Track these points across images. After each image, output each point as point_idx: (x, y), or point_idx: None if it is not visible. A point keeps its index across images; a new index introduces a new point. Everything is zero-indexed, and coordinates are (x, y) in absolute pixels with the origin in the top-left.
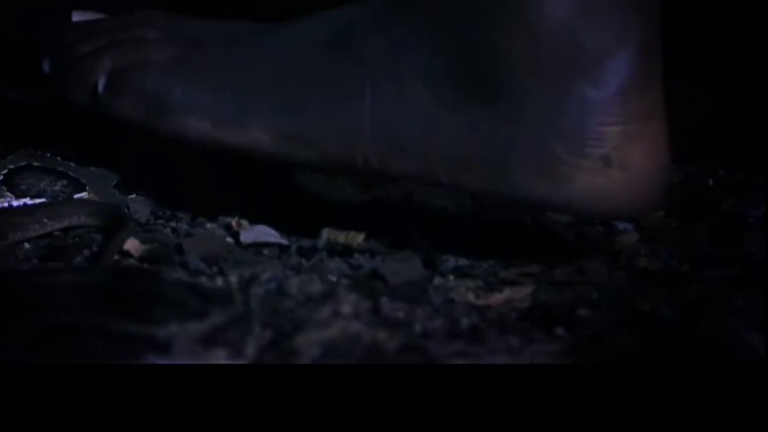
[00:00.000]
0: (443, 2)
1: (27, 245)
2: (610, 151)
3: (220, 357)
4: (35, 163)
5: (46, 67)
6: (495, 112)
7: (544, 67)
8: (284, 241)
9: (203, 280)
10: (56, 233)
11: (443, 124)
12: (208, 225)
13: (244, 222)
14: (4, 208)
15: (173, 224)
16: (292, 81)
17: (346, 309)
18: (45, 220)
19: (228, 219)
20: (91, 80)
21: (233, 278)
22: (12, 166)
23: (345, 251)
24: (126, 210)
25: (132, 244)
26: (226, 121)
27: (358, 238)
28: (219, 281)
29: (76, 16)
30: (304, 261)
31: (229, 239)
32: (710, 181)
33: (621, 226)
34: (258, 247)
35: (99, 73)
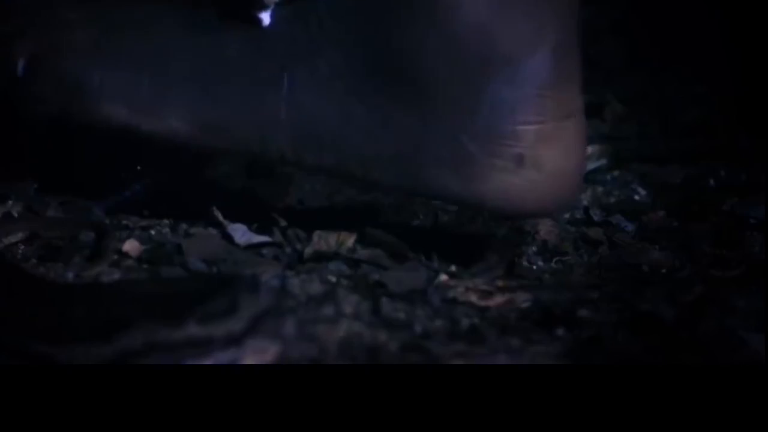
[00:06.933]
0: None
1: (23, 246)
2: (524, 150)
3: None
4: None
5: None
6: (410, 109)
7: (459, 66)
8: (272, 240)
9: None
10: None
11: (358, 119)
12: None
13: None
14: None
15: (171, 221)
16: (209, 70)
17: (347, 309)
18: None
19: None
20: (10, 63)
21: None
22: None
23: (336, 256)
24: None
25: (131, 245)
26: (141, 109)
27: (349, 241)
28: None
29: None
30: (300, 263)
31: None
32: (711, 182)
33: (621, 225)
34: (256, 247)
35: (18, 56)
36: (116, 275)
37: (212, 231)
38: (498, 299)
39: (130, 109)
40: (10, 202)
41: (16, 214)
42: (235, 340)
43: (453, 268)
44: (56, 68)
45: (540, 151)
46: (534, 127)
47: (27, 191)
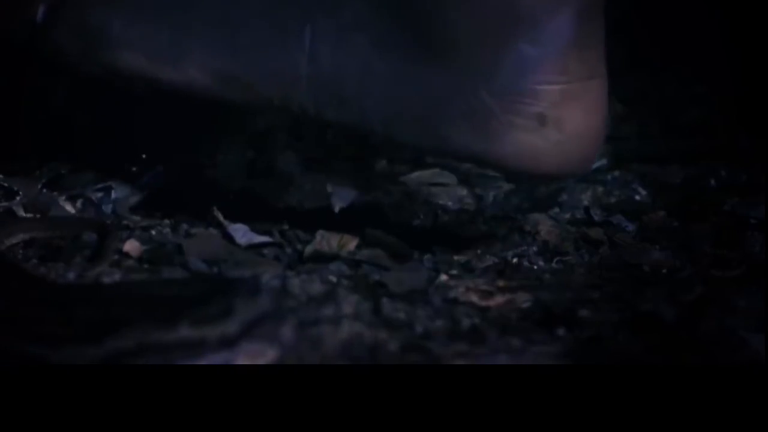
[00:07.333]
0: None
1: (25, 247)
2: (546, 110)
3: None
4: None
5: None
6: (432, 64)
7: (484, 23)
8: (273, 240)
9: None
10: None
11: (381, 75)
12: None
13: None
14: None
15: (171, 221)
16: (231, 20)
17: (348, 310)
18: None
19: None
20: (30, 9)
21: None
22: None
23: (335, 258)
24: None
25: (131, 245)
26: (161, 57)
27: (351, 244)
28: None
29: None
30: (300, 263)
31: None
32: (711, 182)
33: (622, 225)
34: (257, 247)
35: (38, 4)
36: (117, 275)
37: (213, 231)
38: (499, 299)
39: (149, 58)
40: (18, 198)
41: (23, 210)
42: (228, 343)
43: (455, 269)
44: (76, 16)
45: (562, 111)
46: (556, 87)
47: (35, 186)
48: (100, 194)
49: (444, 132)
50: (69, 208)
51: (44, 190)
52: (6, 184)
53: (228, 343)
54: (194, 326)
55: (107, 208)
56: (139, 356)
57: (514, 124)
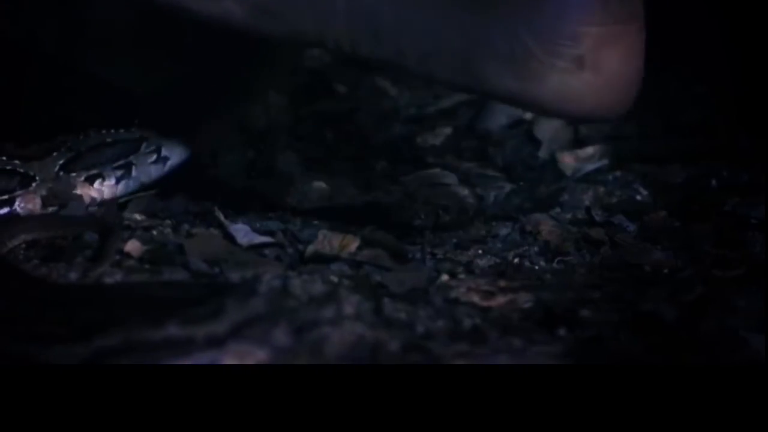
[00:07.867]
0: None
1: (26, 248)
2: (585, 52)
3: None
4: None
5: None
6: (472, 2)
7: None
8: (274, 240)
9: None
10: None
11: (419, 10)
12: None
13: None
14: None
15: (173, 221)
16: None
17: (349, 309)
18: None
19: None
20: None
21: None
22: None
23: (336, 259)
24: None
25: (132, 245)
26: None
27: (352, 245)
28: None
29: None
30: (301, 263)
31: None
32: (712, 182)
33: (623, 225)
34: (258, 247)
35: None
36: (118, 276)
37: (214, 231)
38: (500, 299)
39: None
40: (35, 184)
41: (40, 198)
42: (216, 343)
43: (456, 270)
44: None
45: (601, 54)
46: (596, 29)
47: (52, 169)
48: (120, 172)
49: (481, 71)
50: (86, 191)
51: (61, 173)
52: (22, 170)
53: (216, 342)
54: (182, 325)
55: (128, 187)
56: (125, 355)
57: (553, 65)
